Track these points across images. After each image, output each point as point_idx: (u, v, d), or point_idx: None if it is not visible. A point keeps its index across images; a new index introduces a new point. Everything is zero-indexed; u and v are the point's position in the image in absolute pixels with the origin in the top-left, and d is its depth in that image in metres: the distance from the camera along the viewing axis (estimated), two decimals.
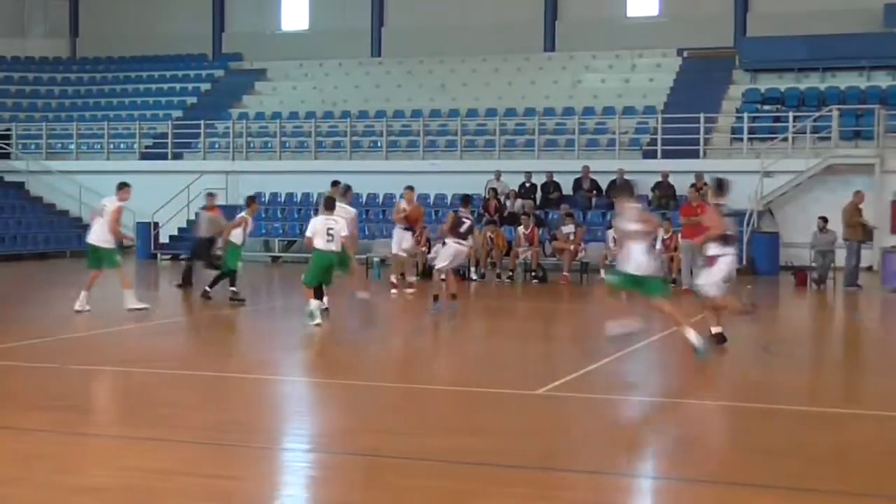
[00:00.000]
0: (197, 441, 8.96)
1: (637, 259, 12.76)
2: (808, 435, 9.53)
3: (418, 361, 13.95)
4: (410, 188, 22.17)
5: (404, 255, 21.83)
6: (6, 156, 36.47)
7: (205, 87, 39.43)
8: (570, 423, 10.02)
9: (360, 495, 7.60)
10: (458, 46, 37.22)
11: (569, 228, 25.45)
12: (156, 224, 31.42)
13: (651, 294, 13.09)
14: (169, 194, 31.78)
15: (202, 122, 34.80)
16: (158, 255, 31.26)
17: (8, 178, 35.35)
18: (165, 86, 39.84)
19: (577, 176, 29.11)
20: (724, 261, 13.96)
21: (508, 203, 28.36)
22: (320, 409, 10.87)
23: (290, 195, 32.32)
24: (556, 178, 29.20)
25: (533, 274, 25.09)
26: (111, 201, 17.70)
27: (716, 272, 13.94)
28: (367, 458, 8.52)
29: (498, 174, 29.17)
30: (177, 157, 34.71)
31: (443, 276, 18.27)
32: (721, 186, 14.36)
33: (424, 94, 35.50)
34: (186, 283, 21.48)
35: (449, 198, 30.82)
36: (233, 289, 18.98)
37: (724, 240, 13.91)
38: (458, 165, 31.01)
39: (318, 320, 15.73)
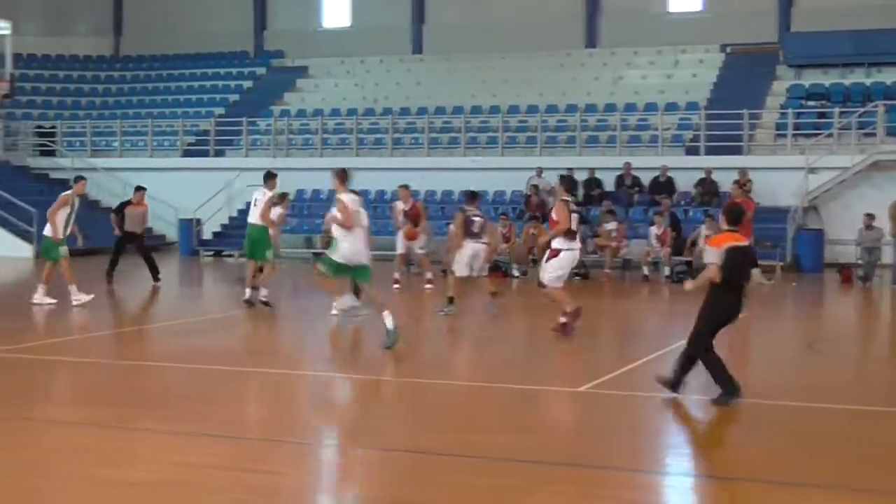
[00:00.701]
0: (236, 436, 8.97)
1: (344, 247, 13.49)
2: (854, 433, 9.41)
3: (459, 358, 13.91)
4: (405, 186, 22.01)
5: (422, 252, 21.70)
6: (51, 153, 36.81)
7: (247, 84, 39.60)
8: (613, 421, 9.96)
9: (402, 491, 7.57)
10: (499, 43, 37.12)
11: (611, 225, 25.33)
12: (198, 221, 31.60)
13: (361, 279, 13.93)
14: (211, 191, 31.96)
15: (244, 119, 34.93)
16: (200, 251, 31.41)
17: (53, 175, 35.64)
18: (208, 83, 40.06)
19: (619, 173, 28.96)
20: (567, 255, 14.42)
21: (550, 200, 28.24)
22: (360, 405, 10.86)
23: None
24: (597, 174, 29.06)
25: (574, 271, 24.93)
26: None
27: (555, 265, 14.37)
28: (409, 454, 8.50)
29: (539, 171, 29.08)
30: (219, 154, 34.89)
31: (475, 274, 17.78)
32: (567, 182, 14.97)
33: (465, 91, 35.45)
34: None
35: (491, 195, 30.78)
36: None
37: (570, 235, 14.34)
38: (500, 162, 30.95)
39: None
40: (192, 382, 11.83)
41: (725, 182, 26.88)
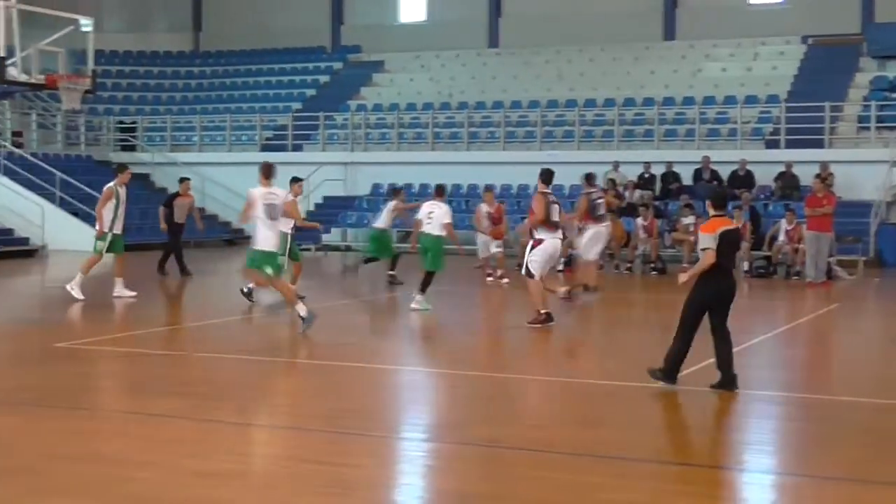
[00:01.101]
0: (317, 429, 9.05)
1: (262, 236, 14.00)
2: None
3: (535, 352, 13.88)
4: (489, 189, 22.11)
5: (499, 250, 21.78)
6: (132, 148, 37.39)
7: (324, 79, 39.87)
8: (691, 417, 9.88)
9: (482, 486, 7.57)
10: (575, 35, 36.95)
11: (689, 219, 25.09)
12: None
13: (273, 269, 14.10)
14: (288, 185, 32.12)
15: (321, 113, 35.18)
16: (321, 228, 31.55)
17: (134, 169, 35.84)
18: (285, 78, 40.40)
19: (698, 166, 28.68)
20: (549, 244, 14.69)
21: (627, 194, 28.09)
22: (438, 399, 10.89)
23: (407, 186, 32.47)
24: (675, 168, 28.82)
25: (652, 265, 24.82)
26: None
27: (537, 253, 14.65)
28: (487, 448, 8.50)
29: (616, 165, 28.92)
30: (296, 148, 35.16)
31: (584, 267, 17.92)
32: (545, 175, 14.94)
33: (541, 85, 35.34)
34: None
35: (567, 189, 30.65)
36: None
37: (551, 225, 14.64)
38: (576, 156, 30.79)
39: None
40: (269, 375, 11.95)
41: (806, 176, 26.51)
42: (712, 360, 11.31)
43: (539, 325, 14.66)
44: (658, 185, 28.85)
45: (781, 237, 23.70)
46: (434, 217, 16.71)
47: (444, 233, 16.69)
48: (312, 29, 41.71)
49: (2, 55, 18.66)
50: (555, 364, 12.97)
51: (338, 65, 40.63)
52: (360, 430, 9.01)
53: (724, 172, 28.30)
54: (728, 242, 10.44)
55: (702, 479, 7.80)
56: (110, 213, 17.77)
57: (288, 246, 16.60)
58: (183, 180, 23.27)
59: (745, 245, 24.26)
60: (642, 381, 10.75)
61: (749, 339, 14.29)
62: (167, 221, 22.55)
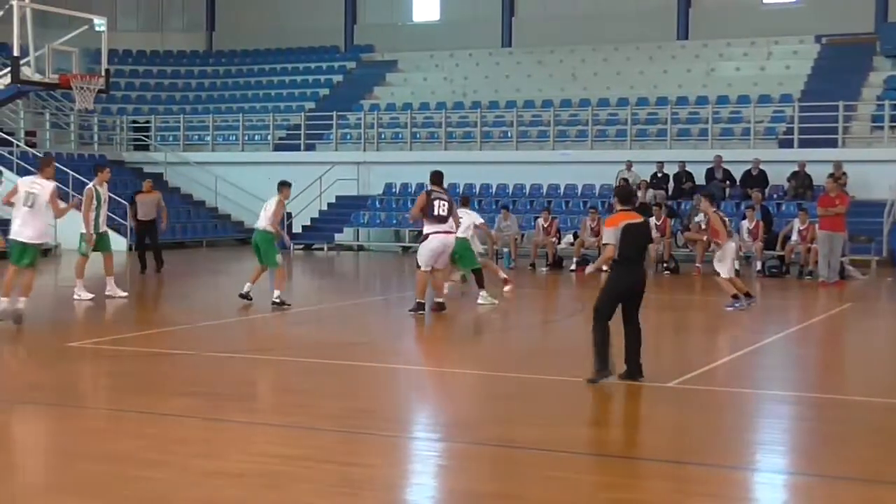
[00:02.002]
0: (330, 429, 9.06)
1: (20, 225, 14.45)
2: None
3: (548, 352, 13.87)
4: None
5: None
6: (146, 147, 37.49)
7: (337, 78, 39.90)
8: (704, 417, 9.85)
9: (493, 486, 7.58)
10: (589, 35, 36.92)
11: (701, 219, 25.01)
12: (288, 214, 31.86)
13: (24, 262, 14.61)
14: (302, 185, 32.21)
15: (334, 113, 35.20)
16: (291, 245, 31.71)
17: (147, 169, 36.26)
18: (298, 78, 40.44)
19: (710, 166, 28.63)
20: (435, 238, 15.85)
21: (640, 193, 28.04)
22: (450, 399, 10.89)
23: (420, 185, 32.48)
24: (688, 167, 28.77)
25: (665, 265, 24.79)
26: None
27: (425, 247, 15.92)
28: (500, 447, 8.50)
29: (629, 164, 28.88)
30: (309, 148, 35.20)
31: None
32: (434, 176, 16.11)
33: (555, 84, 35.32)
34: None
35: (580, 188, 30.66)
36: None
37: (438, 220, 15.71)
38: (589, 155, 30.79)
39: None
40: (281, 374, 11.97)
41: (819, 175, 26.42)
42: (722, 360, 11.36)
43: (414, 312, 15.89)
44: (671, 185, 28.80)
45: (794, 237, 23.65)
46: (462, 223, 17.50)
47: (469, 234, 17.87)
48: (326, 28, 41.74)
49: (16, 55, 18.71)
50: (566, 364, 12.95)
51: (351, 64, 40.66)
52: (372, 430, 9.02)
53: (737, 172, 28.25)
54: (633, 236, 10.71)
55: (713, 478, 7.78)
56: (93, 214, 17.84)
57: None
58: (146, 181, 23.75)
59: (757, 244, 24.25)
60: (654, 381, 10.75)
61: (761, 339, 14.30)
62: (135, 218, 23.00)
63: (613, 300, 10.83)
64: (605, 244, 10.90)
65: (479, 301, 17.51)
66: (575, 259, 25.10)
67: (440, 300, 16.23)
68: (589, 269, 11.87)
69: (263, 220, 17.16)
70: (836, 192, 22.23)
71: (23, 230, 14.50)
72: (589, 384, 10.62)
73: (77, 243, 18.36)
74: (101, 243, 18.04)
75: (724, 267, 17.34)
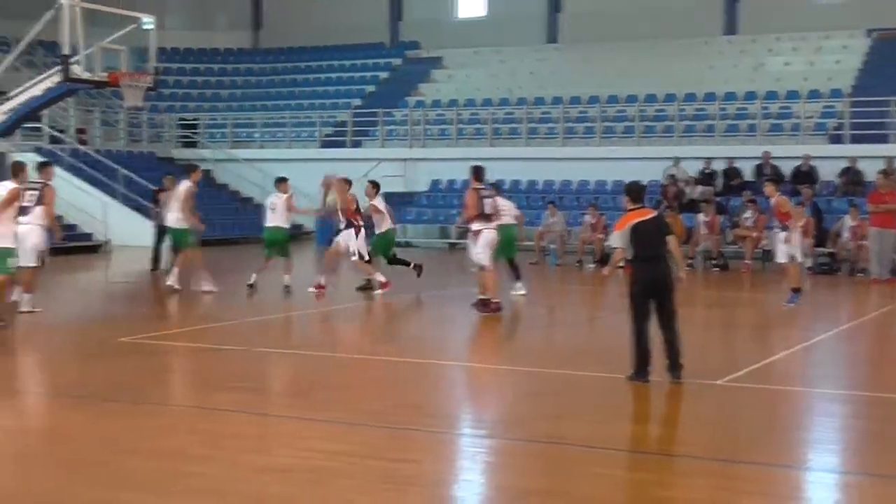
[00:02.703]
0: (376, 424, 9.06)
1: None
2: None
3: (594, 348, 13.80)
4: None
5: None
6: (193, 144, 37.75)
7: (383, 75, 39.97)
8: (752, 415, 9.76)
9: (541, 482, 7.55)
10: (635, 31, 36.69)
11: (750, 215, 24.83)
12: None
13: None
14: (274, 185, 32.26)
15: (380, 110, 35.27)
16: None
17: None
18: (345, 75, 40.56)
19: (759, 162, 28.37)
20: (486, 234, 15.88)
21: (688, 190, 27.86)
22: (496, 395, 10.87)
23: (465, 182, 32.44)
24: (736, 164, 28.53)
25: (713, 262, 24.61)
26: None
27: (480, 244, 15.84)
28: (546, 444, 8.48)
29: (677, 161, 28.69)
30: (356, 144, 35.29)
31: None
32: (475, 171, 16.14)
33: (601, 80, 35.13)
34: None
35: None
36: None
37: (485, 218, 15.84)
38: (636, 152, 30.61)
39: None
40: (330, 370, 12.00)
41: (870, 171, 26.10)
42: (772, 358, 11.24)
43: (492, 312, 15.66)
44: (719, 181, 28.58)
45: (845, 234, 23.39)
46: (507, 211, 17.87)
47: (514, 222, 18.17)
48: (371, 25, 41.81)
49: (66, 53, 18.90)
50: (615, 361, 12.90)
51: (396, 61, 40.71)
52: (418, 426, 9.03)
53: (786, 168, 27.96)
54: (644, 233, 10.60)
55: (763, 477, 7.71)
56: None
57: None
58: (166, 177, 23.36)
59: (808, 241, 24.00)
60: (703, 378, 10.67)
61: (812, 337, 14.18)
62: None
63: (638, 299, 10.64)
64: (613, 247, 10.88)
65: (515, 292, 17.64)
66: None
67: (484, 297, 16.11)
68: (604, 270, 11.76)
69: (279, 219, 18.37)
70: (887, 188, 21.94)
71: None
72: (628, 381, 10.56)
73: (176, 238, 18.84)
74: (182, 239, 18.35)
75: (798, 251, 17.25)
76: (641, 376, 10.54)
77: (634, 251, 10.57)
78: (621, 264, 11.11)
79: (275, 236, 18.50)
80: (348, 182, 18.66)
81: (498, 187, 19.02)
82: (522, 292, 17.97)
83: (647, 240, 10.63)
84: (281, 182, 18.97)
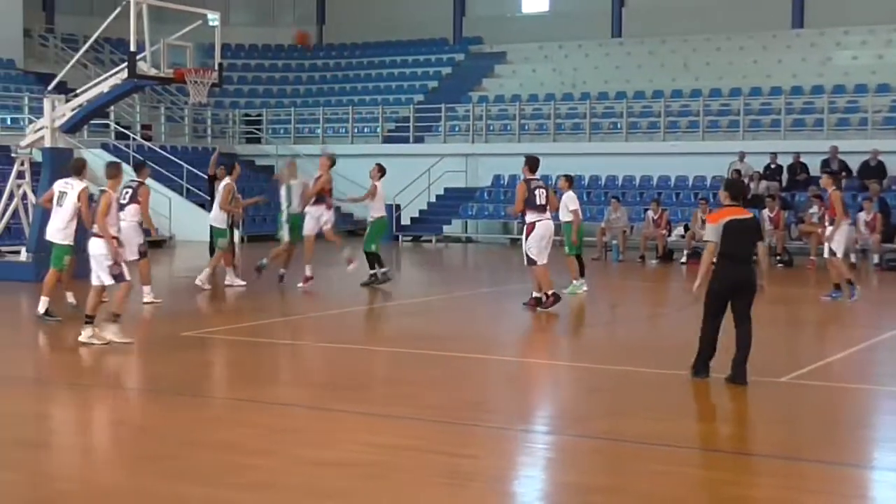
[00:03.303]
0: (437, 419, 9.05)
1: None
2: None
3: (656, 345, 13.69)
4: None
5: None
6: (257, 140, 38.03)
7: (446, 70, 39.97)
8: (817, 413, 9.63)
9: (602, 479, 7.50)
10: (700, 24, 36.32)
11: (815, 211, 24.49)
12: (398, 206, 32.04)
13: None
14: (411, 177, 32.40)
15: (443, 105, 35.29)
16: (400, 237, 31.91)
17: (259, 161, 36.81)
18: (408, 70, 40.62)
19: (826, 157, 27.98)
20: (541, 226, 15.66)
21: (753, 185, 27.56)
22: (557, 391, 10.83)
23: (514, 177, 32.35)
24: (802, 158, 28.16)
25: (778, 258, 24.31)
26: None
27: (534, 237, 15.62)
28: (607, 441, 8.42)
29: (742, 155, 28.39)
30: (418, 140, 35.33)
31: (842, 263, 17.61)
32: (529, 162, 15.89)
33: (666, 74, 34.84)
34: None
35: (690, 180, 30.24)
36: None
37: (539, 209, 15.62)
38: (700, 147, 30.35)
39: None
40: (389, 365, 12.03)
41: None
42: (836, 356, 11.06)
43: (549, 305, 15.54)
44: (785, 177, 28.24)
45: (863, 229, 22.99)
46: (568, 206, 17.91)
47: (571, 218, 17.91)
48: (434, 21, 41.83)
49: (132, 50, 19.06)
50: (675, 357, 12.78)
51: (460, 56, 40.69)
52: (478, 422, 9.00)
53: (854, 163, 27.57)
54: (736, 232, 10.30)
55: (827, 476, 7.59)
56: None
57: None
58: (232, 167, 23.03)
59: (875, 237, 23.65)
60: (765, 377, 10.53)
61: (879, 334, 13.96)
62: None
63: (716, 298, 10.42)
64: (705, 241, 10.56)
65: (576, 290, 17.55)
66: (685, 251, 24.74)
67: (538, 295, 15.84)
68: (694, 286, 10.69)
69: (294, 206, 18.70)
70: None
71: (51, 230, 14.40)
72: (692, 377, 10.45)
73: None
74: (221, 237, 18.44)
75: (840, 247, 16.99)
76: (702, 372, 10.41)
77: (722, 248, 10.30)
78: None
79: (296, 221, 18.76)
80: (332, 161, 19.02)
81: (571, 181, 18.74)
82: (572, 291, 17.60)
83: (738, 239, 10.33)
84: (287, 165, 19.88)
